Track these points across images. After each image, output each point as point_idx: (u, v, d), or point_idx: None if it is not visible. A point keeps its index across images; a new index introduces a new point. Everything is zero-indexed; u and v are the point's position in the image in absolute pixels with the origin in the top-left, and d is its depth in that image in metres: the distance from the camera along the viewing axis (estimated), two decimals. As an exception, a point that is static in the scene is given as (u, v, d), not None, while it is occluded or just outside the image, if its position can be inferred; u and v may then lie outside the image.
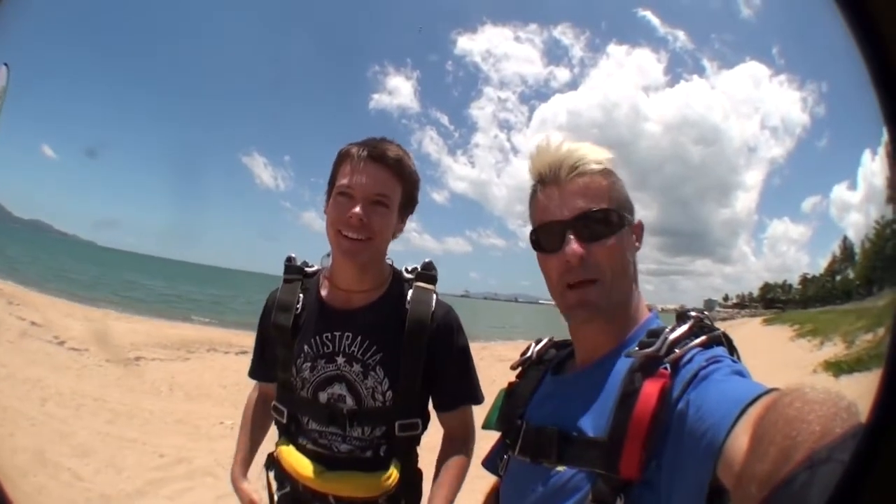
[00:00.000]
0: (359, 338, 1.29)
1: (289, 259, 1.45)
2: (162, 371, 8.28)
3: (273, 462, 1.36)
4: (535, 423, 0.97)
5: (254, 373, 1.51)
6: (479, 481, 1.16)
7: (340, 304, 1.34)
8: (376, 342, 1.28)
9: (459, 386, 1.36)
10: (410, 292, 1.33)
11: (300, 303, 1.36)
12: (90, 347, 8.32)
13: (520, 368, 1.12)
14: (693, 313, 0.89)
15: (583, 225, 0.90)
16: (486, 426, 1.13)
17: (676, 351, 0.82)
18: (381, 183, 1.26)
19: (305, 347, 1.32)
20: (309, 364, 1.31)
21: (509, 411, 1.05)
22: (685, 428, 0.71)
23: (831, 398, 0.52)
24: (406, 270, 1.41)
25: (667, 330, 0.85)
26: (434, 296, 1.34)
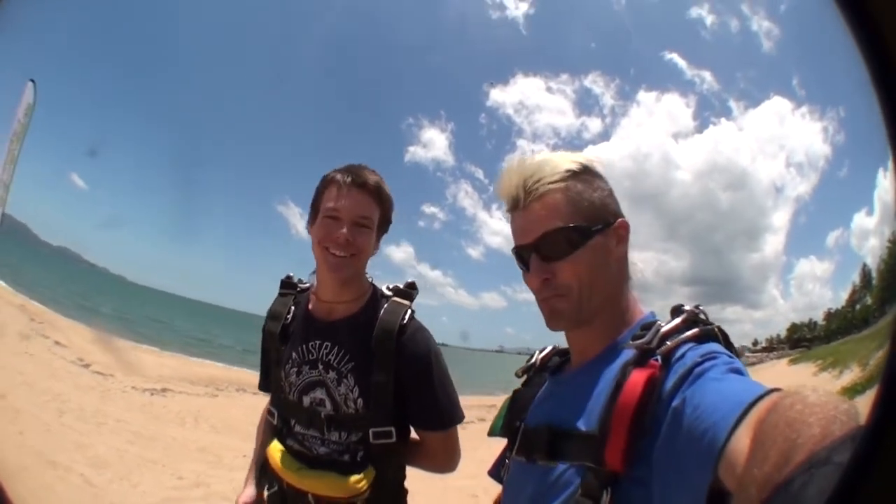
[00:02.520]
0: (335, 347, 1.53)
1: (286, 277, 1.76)
2: (188, 404, 8.66)
3: (265, 462, 1.57)
4: (531, 423, 1.08)
5: (262, 385, 1.75)
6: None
7: (323, 315, 1.60)
8: (349, 351, 1.52)
9: (428, 407, 1.54)
10: (385, 306, 1.56)
11: (290, 313, 1.65)
12: (115, 374, 8.78)
13: (525, 376, 1.25)
14: (687, 307, 0.96)
15: (543, 247, 1.02)
16: (491, 433, 1.24)
17: (668, 343, 0.88)
18: (364, 207, 1.53)
19: (293, 354, 1.58)
20: (295, 369, 1.56)
21: (512, 417, 1.17)
22: (681, 426, 0.76)
23: (831, 401, 0.57)
24: (387, 287, 1.64)
25: (658, 322, 0.94)
26: (407, 311, 1.56)
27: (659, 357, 0.88)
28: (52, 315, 11.45)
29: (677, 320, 0.92)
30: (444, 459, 1.62)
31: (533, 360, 1.24)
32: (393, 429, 1.49)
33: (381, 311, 1.55)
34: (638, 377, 0.85)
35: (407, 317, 1.54)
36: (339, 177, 1.53)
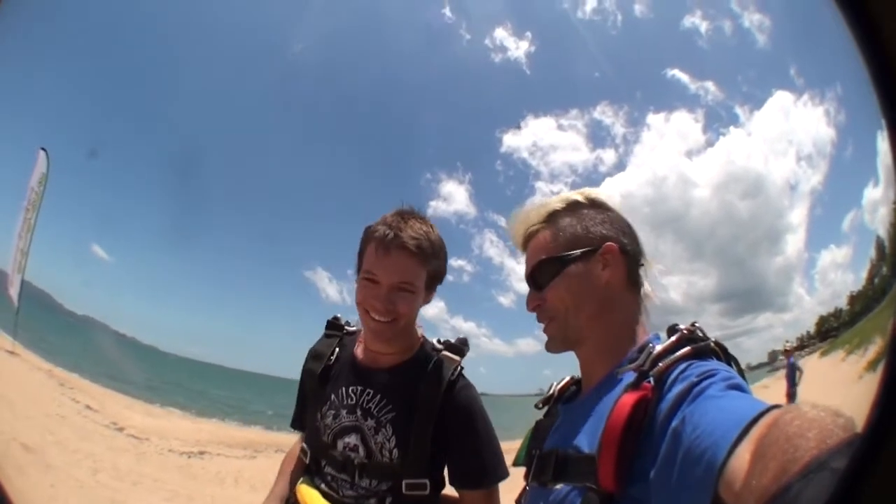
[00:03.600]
0: (377, 395, 1.56)
1: (334, 318, 1.83)
2: (227, 465, 8.78)
3: (294, 499, 1.62)
4: (544, 450, 1.15)
5: (295, 422, 1.83)
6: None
7: (369, 362, 1.64)
8: (391, 401, 1.55)
9: (472, 465, 1.55)
10: (435, 359, 1.59)
11: (334, 355, 1.70)
12: (151, 437, 8.90)
13: (545, 407, 1.33)
14: (682, 326, 1.01)
15: (533, 280, 1.20)
16: (515, 463, 1.31)
17: (660, 364, 0.93)
18: (405, 271, 1.51)
19: (333, 396, 1.62)
20: (333, 412, 1.60)
21: (532, 446, 1.24)
22: (681, 446, 0.78)
23: (830, 415, 0.60)
24: (438, 342, 1.68)
25: (651, 344, 1.00)
26: (457, 367, 1.59)
27: (651, 379, 0.93)
28: (80, 381, 11.76)
29: (670, 340, 0.98)
30: None
31: (551, 391, 1.33)
32: (427, 481, 1.52)
33: (430, 365, 1.58)
34: (627, 400, 0.90)
35: (456, 373, 1.58)
36: (379, 233, 1.52)
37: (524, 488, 1.26)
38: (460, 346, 1.64)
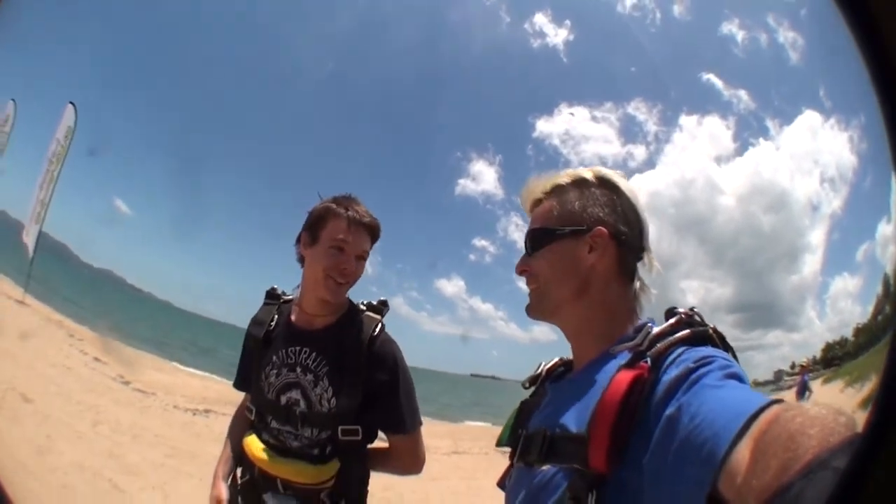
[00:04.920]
0: (314, 353, 1.80)
1: (271, 288, 2.07)
2: None
3: (240, 452, 1.83)
4: (530, 429, 1.14)
5: (237, 383, 2.04)
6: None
7: (304, 324, 1.89)
8: (326, 357, 1.79)
9: (393, 412, 1.80)
10: (359, 318, 1.86)
11: (273, 321, 1.94)
12: (157, 392, 9.02)
13: (531, 387, 1.32)
14: (681, 310, 1.01)
15: (526, 244, 1.23)
16: (498, 444, 1.30)
17: (659, 345, 0.93)
18: (366, 243, 1.86)
19: (274, 357, 1.85)
20: (275, 371, 1.83)
21: (517, 426, 1.23)
22: (677, 435, 0.78)
23: (832, 414, 0.60)
24: (361, 304, 1.94)
25: (648, 325, 1.01)
26: (377, 324, 1.85)
27: (649, 359, 0.92)
28: (91, 334, 11.86)
29: (669, 322, 0.98)
30: (410, 461, 1.89)
31: (539, 370, 1.32)
32: (359, 427, 1.76)
33: (355, 323, 1.84)
34: (622, 377, 0.88)
35: (377, 329, 1.83)
36: (345, 212, 1.82)
37: (508, 468, 1.27)
38: (380, 307, 1.94)
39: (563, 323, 1.17)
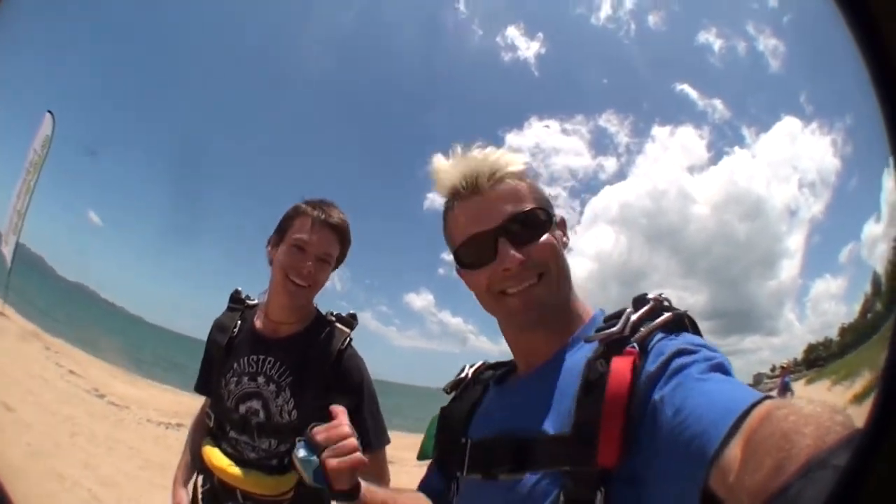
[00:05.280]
0: (277, 363, 1.76)
1: (235, 291, 2.02)
2: None
3: (200, 461, 1.79)
4: (479, 436, 1.06)
5: (198, 386, 1.98)
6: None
7: (269, 332, 1.83)
8: (289, 367, 1.75)
9: (358, 429, 1.58)
10: (328, 330, 1.80)
11: (237, 327, 1.88)
12: (131, 406, 9.02)
13: (453, 392, 1.25)
14: (651, 295, 0.97)
15: (514, 229, 1.01)
16: (421, 457, 1.39)
17: (642, 330, 0.89)
18: (330, 244, 1.77)
19: (235, 365, 1.80)
20: (235, 379, 1.78)
21: (448, 435, 1.16)
22: (661, 427, 0.76)
23: (826, 412, 0.58)
24: (330, 314, 1.88)
25: (628, 311, 0.94)
26: (347, 338, 1.80)
27: (635, 345, 0.88)
28: (65, 347, 11.85)
29: (645, 308, 0.93)
30: (374, 481, 1.78)
31: (464, 373, 1.26)
32: None
33: (323, 335, 1.79)
34: (623, 365, 0.84)
35: (345, 343, 1.79)
36: (312, 211, 1.76)
37: (452, 483, 1.15)
38: (349, 320, 1.87)
39: (555, 318, 1.04)
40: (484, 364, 1.26)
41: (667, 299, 0.96)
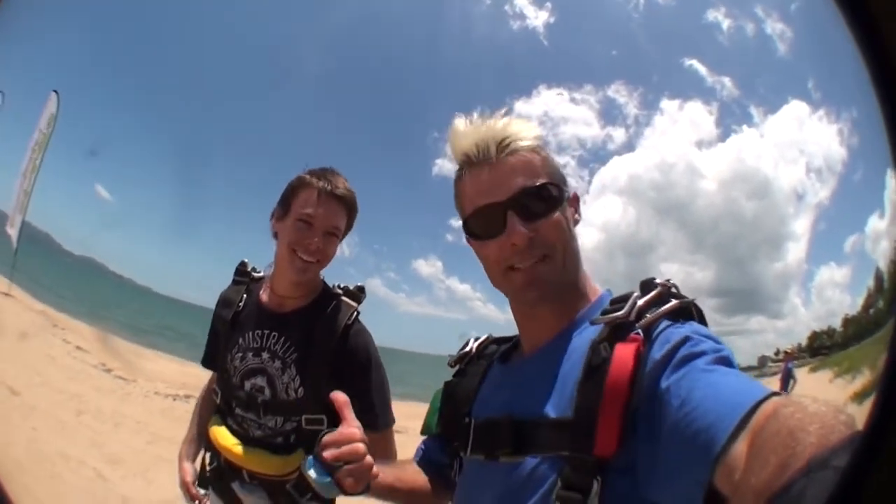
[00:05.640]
0: (282, 338, 1.73)
1: (241, 264, 1.98)
2: None
3: (207, 440, 1.81)
4: (483, 416, 1.06)
5: (205, 361, 1.96)
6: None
7: (274, 307, 1.81)
8: (295, 343, 1.72)
9: (364, 408, 1.59)
10: (335, 304, 1.76)
11: (242, 301, 1.86)
12: (138, 378, 9.18)
13: (457, 366, 1.24)
14: (659, 281, 0.95)
15: (524, 203, 0.99)
16: (425, 432, 1.27)
17: (648, 316, 0.88)
18: (337, 217, 1.72)
19: (240, 340, 1.79)
20: (240, 355, 1.77)
21: (452, 411, 1.15)
22: (666, 417, 0.76)
23: (830, 411, 0.59)
24: (337, 287, 1.84)
25: (635, 295, 0.93)
26: (353, 313, 1.76)
27: (640, 331, 0.87)
28: (73, 322, 11.99)
29: (652, 293, 0.92)
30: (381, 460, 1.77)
31: (468, 348, 1.24)
32: (325, 417, 1.65)
33: (329, 309, 1.75)
34: (626, 352, 0.84)
35: (352, 318, 1.75)
36: (317, 183, 1.70)
37: (455, 461, 1.18)
38: (357, 293, 1.83)
39: (563, 297, 1.04)
40: (489, 338, 1.24)
41: (675, 286, 0.95)
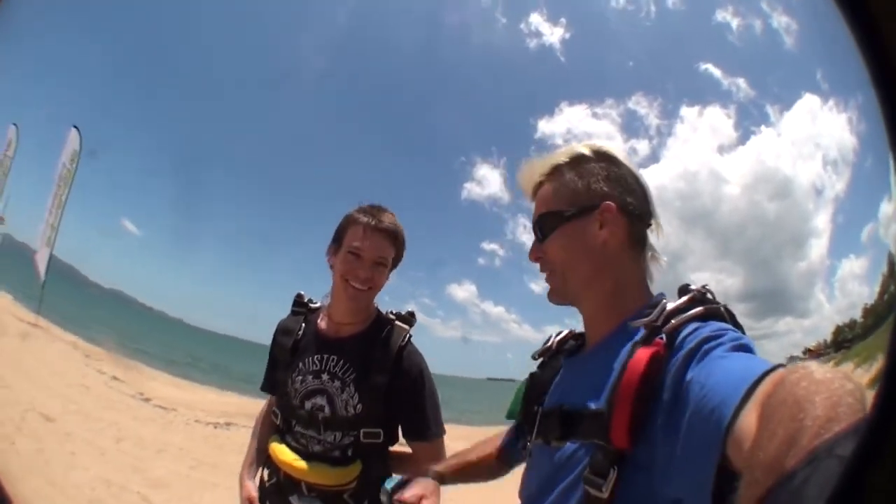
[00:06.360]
0: (341, 360, 1.87)
1: (298, 295, 2.13)
2: None
3: (267, 457, 1.93)
4: (547, 406, 1.17)
5: (264, 386, 2.09)
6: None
7: (332, 333, 1.95)
8: (353, 365, 1.86)
9: (417, 421, 1.86)
10: (388, 328, 1.92)
11: (301, 330, 2.00)
12: (178, 408, 9.03)
13: (541, 359, 1.35)
14: (694, 286, 1.02)
15: (535, 231, 1.23)
16: (508, 417, 1.41)
17: (673, 322, 0.95)
18: (383, 248, 1.87)
19: (300, 364, 1.92)
20: (301, 378, 1.90)
21: (530, 401, 1.27)
22: (689, 406, 0.80)
23: (838, 379, 0.59)
24: (390, 313, 2.00)
25: (664, 301, 1.01)
26: (406, 335, 1.91)
27: (664, 335, 0.93)
28: (106, 354, 11.91)
29: (683, 299, 0.98)
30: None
31: (549, 343, 1.34)
32: (381, 431, 1.84)
33: (385, 333, 1.90)
34: (642, 355, 0.90)
35: (406, 340, 1.90)
36: (363, 218, 1.87)
37: (512, 442, 1.42)
38: (409, 318, 2.00)
39: (585, 303, 1.17)
40: (570, 333, 1.31)
41: (709, 291, 1.01)
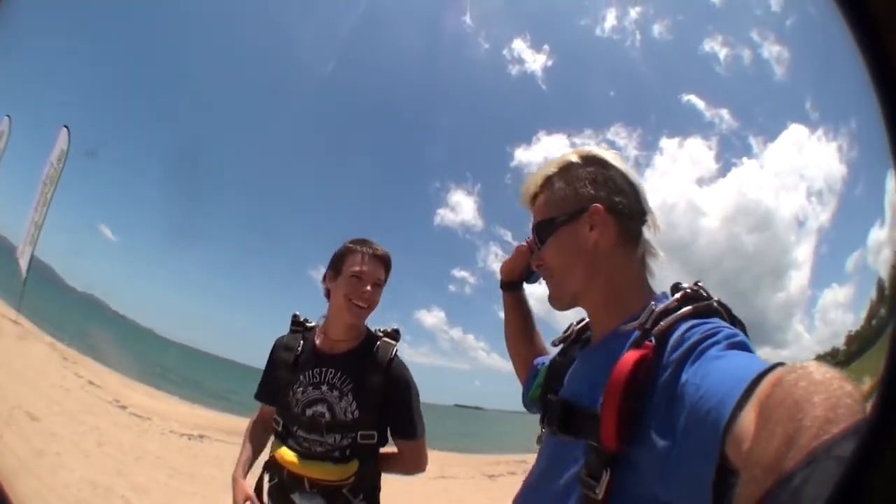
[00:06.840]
0: (339, 373, 2.12)
1: (295, 316, 2.38)
2: (226, 451, 8.87)
3: (269, 462, 2.13)
4: (557, 396, 1.19)
5: (258, 395, 2.34)
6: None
7: (328, 349, 2.20)
8: (349, 375, 2.12)
9: (405, 421, 2.13)
10: (378, 344, 2.19)
11: (300, 347, 2.24)
12: (153, 417, 9.09)
13: (560, 346, 1.37)
14: (686, 285, 1.03)
15: (535, 240, 1.28)
16: (531, 398, 1.39)
17: (662, 323, 0.95)
18: (379, 271, 2.18)
19: (301, 377, 2.16)
20: (302, 388, 2.14)
21: (548, 387, 1.30)
22: (685, 408, 0.80)
23: (836, 380, 0.59)
24: (378, 331, 2.26)
25: (653, 303, 1.02)
26: (394, 349, 2.18)
27: (653, 338, 0.94)
28: (81, 357, 11.87)
29: (673, 298, 1.00)
30: (416, 463, 2.21)
31: (569, 330, 1.37)
32: (376, 433, 2.08)
33: (375, 348, 2.17)
34: (628, 358, 0.90)
35: (394, 354, 2.17)
36: (360, 248, 2.16)
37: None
38: (394, 334, 2.26)
39: (585, 304, 1.21)
40: (588, 322, 1.32)
41: (701, 288, 1.01)
